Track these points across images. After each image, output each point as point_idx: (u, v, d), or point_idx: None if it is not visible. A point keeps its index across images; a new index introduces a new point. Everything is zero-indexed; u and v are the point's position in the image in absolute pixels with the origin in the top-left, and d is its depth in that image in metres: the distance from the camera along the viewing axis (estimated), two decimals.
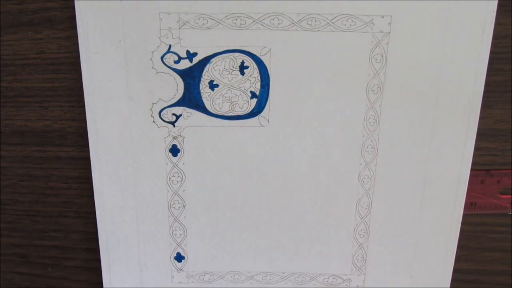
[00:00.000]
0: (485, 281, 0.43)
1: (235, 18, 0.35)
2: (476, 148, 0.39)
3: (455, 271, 0.42)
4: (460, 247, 0.41)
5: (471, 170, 0.38)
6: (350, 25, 0.35)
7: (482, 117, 0.38)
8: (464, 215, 0.39)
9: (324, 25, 0.35)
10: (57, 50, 0.37)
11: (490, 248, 0.42)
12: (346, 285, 0.41)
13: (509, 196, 0.40)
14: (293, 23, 0.35)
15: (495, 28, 0.36)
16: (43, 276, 0.44)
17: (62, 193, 0.41)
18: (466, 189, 0.38)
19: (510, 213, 0.41)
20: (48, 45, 0.37)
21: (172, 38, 0.35)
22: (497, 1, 0.34)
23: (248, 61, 0.36)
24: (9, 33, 0.37)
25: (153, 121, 0.37)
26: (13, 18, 0.37)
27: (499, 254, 0.43)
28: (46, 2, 0.36)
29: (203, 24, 0.35)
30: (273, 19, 0.35)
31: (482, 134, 0.39)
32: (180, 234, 0.40)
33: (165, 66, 0.36)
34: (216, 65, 0.36)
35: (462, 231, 0.41)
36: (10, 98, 0.39)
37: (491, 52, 0.36)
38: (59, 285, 0.44)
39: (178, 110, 0.37)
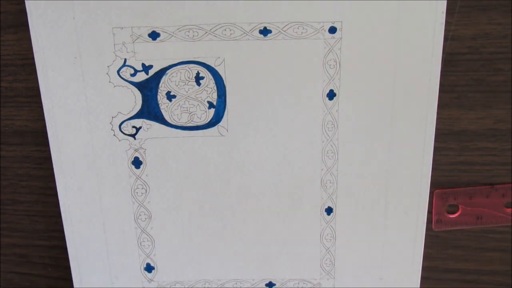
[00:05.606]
0: (485, 281, 0.43)
1: (187, 30, 0.35)
2: (476, 148, 0.39)
3: (455, 271, 0.42)
4: (460, 247, 0.41)
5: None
6: (302, 32, 0.34)
7: (482, 117, 0.38)
8: None
9: (276, 34, 0.34)
10: None
11: (490, 248, 0.42)
12: None
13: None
14: (245, 32, 0.34)
15: (495, 29, 0.35)
16: (43, 276, 0.45)
17: None
18: (429, 188, 0.38)
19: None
20: None
21: (127, 52, 0.35)
22: (446, 1, 0.33)
23: (204, 72, 0.36)
24: (9, 33, 0.38)
25: (114, 135, 0.37)
26: (13, 18, 0.37)
27: (499, 254, 0.42)
28: None
29: (156, 37, 0.35)
30: (225, 30, 0.34)
31: (482, 134, 0.38)
32: (149, 245, 0.40)
33: (122, 80, 0.36)
34: (172, 77, 0.36)
35: (462, 231, 0.41)
36: (10, 98, 0.39)
37: (491, 52, 0.36)
38: (59, 285, 0.45)
39: (137, 122, 0.37)
